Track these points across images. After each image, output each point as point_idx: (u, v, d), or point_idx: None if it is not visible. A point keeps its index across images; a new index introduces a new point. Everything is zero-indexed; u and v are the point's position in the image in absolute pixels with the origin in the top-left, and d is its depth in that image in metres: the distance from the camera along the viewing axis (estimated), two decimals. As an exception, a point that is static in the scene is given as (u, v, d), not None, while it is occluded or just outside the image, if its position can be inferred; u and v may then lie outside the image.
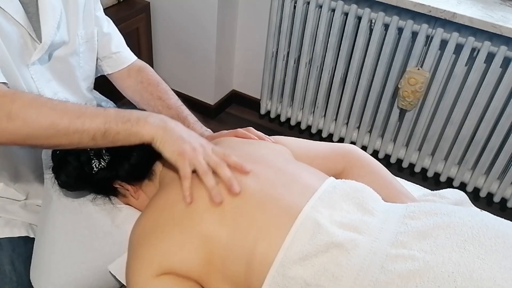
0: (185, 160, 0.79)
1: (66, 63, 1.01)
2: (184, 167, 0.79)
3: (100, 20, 1.11)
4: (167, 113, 1.10)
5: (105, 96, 1.28)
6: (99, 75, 1.19)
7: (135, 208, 0.96)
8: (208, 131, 1.08)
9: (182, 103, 1.13)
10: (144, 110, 0.90)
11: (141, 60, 1.21)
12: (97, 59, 1.13)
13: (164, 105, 1.12)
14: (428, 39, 1.74)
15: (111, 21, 1.17)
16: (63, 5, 0.97)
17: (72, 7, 1.00)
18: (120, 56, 1.16)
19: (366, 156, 0.99)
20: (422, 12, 1.68)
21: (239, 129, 1.00)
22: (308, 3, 1.91)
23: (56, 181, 0.90)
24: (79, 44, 1.03)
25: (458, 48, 1.69)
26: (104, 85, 1.18)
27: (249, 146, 0.95)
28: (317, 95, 2.13)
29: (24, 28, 0.89)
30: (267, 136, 1.01)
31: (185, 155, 0.79)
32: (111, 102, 1.31)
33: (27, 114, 0.72)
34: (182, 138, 0.81)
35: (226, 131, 1.03)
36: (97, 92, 1.23)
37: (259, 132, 1.01)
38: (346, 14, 1.86)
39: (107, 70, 1.16)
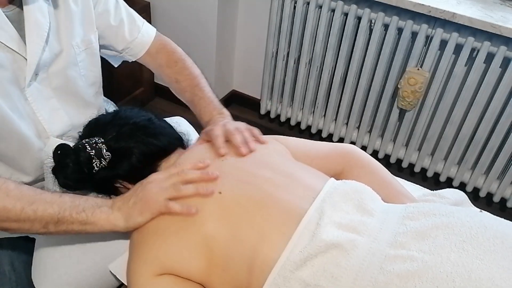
0: (166, 205, 0.79)
1: (64, 76, 0.98)
2: (167, 208, 0.79)
3: (104, 16, 1.06)
4: (182, 97, 1.13)
5: (105, 96, 1.28)
6: (121, 62, 1.20)
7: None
8: (224, 111, 1.08)
9: (199, 82, 1.11)
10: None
11: (159, 36, 1.18)
12: (110, 52, 1.13)
13: (180, 88, 1.12)
14: (428, 39, 1.74)
15: (120, 4, 1.12)
16: (55, 17, 0.94)
17: (65, 18, 0.96)
18: (137, 43, 1.13)
19: (366, 156, 0.99)
20: (422, 12, 1.68)
21: (236, 137, 0.92)
22: (308, 3, 1.91)
23: (56, 181, 0.90)
24: (76, 54, 0.99)
25: (458, 48, 1.69)
26: (104, 86, 1.17)
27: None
28: (317, 95, 2.13)
29: (17, 53, 0.87)
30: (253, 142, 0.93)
31: (156, 205, 0.79)
32: (112, 102, 1.31)
33: None
34: (140, 200, 0.80)
35: (228, 126, 0.95)
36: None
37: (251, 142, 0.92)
38: (346, 14, 1.86)
39: (130, 59, 1.16)
